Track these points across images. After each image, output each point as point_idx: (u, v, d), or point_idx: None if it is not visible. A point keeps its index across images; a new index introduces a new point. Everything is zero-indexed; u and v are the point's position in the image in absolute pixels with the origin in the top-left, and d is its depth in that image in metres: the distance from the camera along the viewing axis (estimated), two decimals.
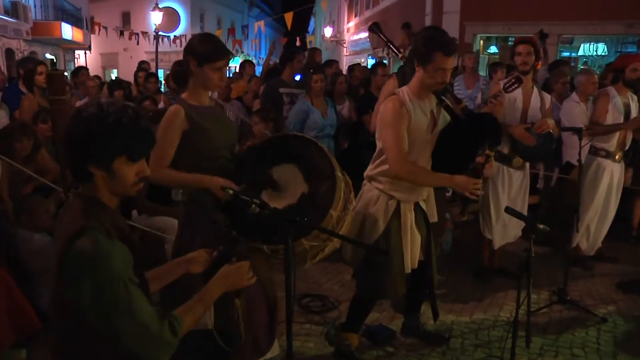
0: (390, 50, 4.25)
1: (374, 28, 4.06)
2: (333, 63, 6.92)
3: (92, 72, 22.49)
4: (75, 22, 20.41)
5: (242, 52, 30.24)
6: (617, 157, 4.75)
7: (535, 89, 4.27)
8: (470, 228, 4.83)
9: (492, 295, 4.32)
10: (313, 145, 2.54)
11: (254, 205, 2.00)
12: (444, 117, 2.95)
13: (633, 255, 5.34)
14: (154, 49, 24.35)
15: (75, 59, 23.97)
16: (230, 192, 2.05)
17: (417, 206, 3.06)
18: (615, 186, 4.82)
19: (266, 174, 2.58)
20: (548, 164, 6.09)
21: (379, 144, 2.92)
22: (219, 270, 1.89)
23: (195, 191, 2.69)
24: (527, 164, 4.39)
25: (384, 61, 9.79)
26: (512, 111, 4.16)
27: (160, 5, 27.32)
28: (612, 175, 4.77)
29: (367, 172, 3.06)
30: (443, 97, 2.89)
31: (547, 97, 4.34)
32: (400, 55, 3.57)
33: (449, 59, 2.71)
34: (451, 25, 9.70)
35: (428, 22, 10.27)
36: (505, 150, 4.23)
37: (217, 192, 2.53)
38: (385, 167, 2.90)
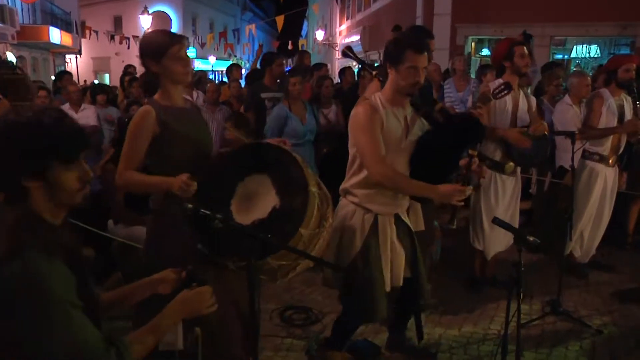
0: (364, 70, 4.12)
1: (346, 52, 3.96)
2: (322, 66, 6.76)
3: (83, 77, 22.30)
4: (64, 26, 20.19)
5: (235, 56, 30.16)
6: (610, 161, 4.60)
7: (522, 92, 4.12)
8: (460, 235, 4.66)
9: (483, 306, 4.15)
10: (287, 156, 2.36)
11: (216, 220, 1.83)
12: (421, 124, 2.78)
13: (629, 262, 5.18)
14: None
15: (66, 64, 23.74)
16: (190, 206, 1.87)
17: (398, 219, 2.87)
18: (609, 191, 4.67)
19: (235, 185, 2.40)
20: (541, 169, 5.94)
21: (352, 151, 2.75)
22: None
23: (164, 201, 2.51)
24: (519, 169, 4.23)
25: (376, 64, 9.66)
26: (502, 115, 4.00)
27: (152, 10, 27.36)
28: (605, 180, 4.62)
29: (342, 185, 2.88)
30: (417, 102, 2.74)
31: (533, 100, 4.20)
32: (374, 73, 3.43)
33: (420, 57, 2.56)
34: (442, 28, 9.58)
35: (419, 24, 10.13)
36: (497, 156, 4.07)
37: (179, 193, 2.35)
38: (360, 177, 2.72)
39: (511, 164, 4.09)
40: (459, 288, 4.47)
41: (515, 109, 4.03)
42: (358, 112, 2.69)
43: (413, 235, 2.95)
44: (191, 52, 27.42)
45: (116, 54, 26.14)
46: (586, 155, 4.66)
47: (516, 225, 4.31)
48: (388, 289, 2.80)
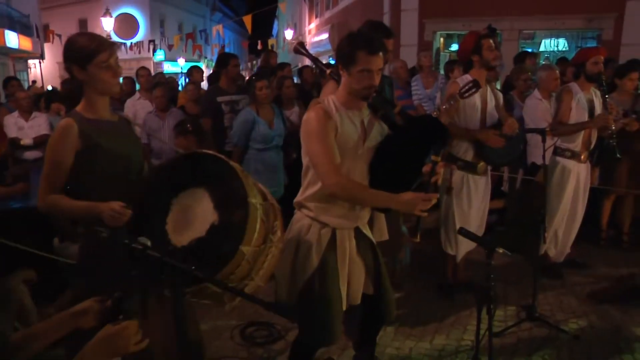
0: (317, 68, 3.91)
1: (299, 48, 3.73)
2: (285, 66, 6.49)
3: (48, 82, 21.58)
4: (23, 29, 19.48)
5: (206, 57, 29.68)
6: (582, 157, 4.45)
7: (489, 88, 3.94)
8: (431, 238, 4.46)
9: (456, 313, 3.96)
10: (225, 166, 2.11)
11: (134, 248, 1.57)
12: (380, 129, 2.55)
13: (604, 258, 5.06)
14: None
15: (29, 69, 23.03)
16: (104, 233, 1.61)
17: (358, 232, 2.63)
18: (582, 188, 4.52)
19: (169, 202, 2.15)
20: (512, 166, 5.79)
21: (305, 161, 2.50)
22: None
23: (91, 223, 2.24)
24: (489, 167, 4.05)
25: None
26: (472, 114, 3.81)
27: (118, 12, 26.75)
28: (578, 176, 4.47)
29: (296, 198, 2.63)
30: (375, 104, 2.51)
31: (500, 95, 4.02)
32: (328, 71, 3.20)
33: (374, 58, 2.32)
34: (410, 23, 9.42)
35: (386, 20, 9.93)
36: (468, 157, 3.88)
37: (109, 221, 2.10)
38: (315, 188, 2.47)
39: (483, 163, 3.91)
40: (431, 294, 4.27)
41: (484, 107, 3.85)
42: (309, 117, 2.44)
43: (376, 249, 2.71)
44: (160, 55, 26.92)
45: None
46: (558, 151, 4.50)
47: (484, 225, 4.14)
48: (345, 307, 2.56)
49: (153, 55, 25.52)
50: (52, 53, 25.75)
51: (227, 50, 35.49)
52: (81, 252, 2.35)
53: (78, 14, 27.28)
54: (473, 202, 3.92)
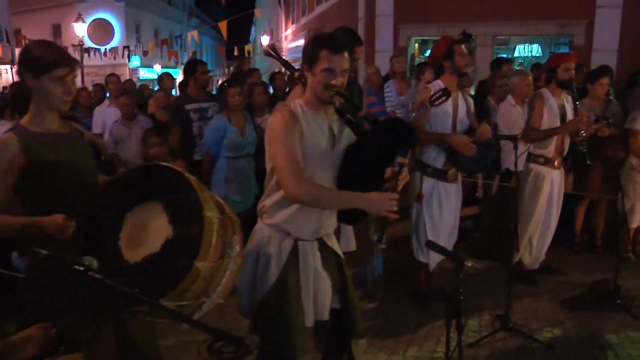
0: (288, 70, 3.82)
1: (269, 50, 3.65)
2: (253, 72, 6.38)
3: None
4: None
5: (182, 64, 29.41)
6: (556, 163, 4.43)
7: (460, 94, 3.89)
8: (404, 246, 4.40)
9: (430, 324, 3.89)
10: (180, 178, 2.01)
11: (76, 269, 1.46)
12: (349, 134, 2.47)
13: (578, 263, 5.06)
14: (87, 62, 23.33)
15: (0, 75, 22.52)
16: (43, 252, 1.50)
17: (323, 245, 2.54)
18: (556, 194, 4.49)
19: (123, 216, 2.04)
20: (487, 172, 5.77)
21: (268, 166, 2.41)
22: None
23: (36, 241, 2.11)
24: (459, 174, 4.00)
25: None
26: (444, 120, 3.75)
27: (93, 17, 26.35)
28: (552, 183, 4.45)
29: (258, 205, 2.54)
30: (343, 109, 2.43)
31: (471, 101, 3.99)
32: (296, 74, 3.13)
33: (337, 57, 2.24)
34: (385, 29, 9.39)
35: (361, 26, 9.91)
36: (439, 164, 3.82)
37: (54, 235, 1.98)
38: (278, 195, 2.38)
39: (453, 170, 3.85)
40: (404, 304, 4.20)
41: (455, 113, 3.80)
42: (274, 119, 2.35)
43: (341, 262, 2.62)
44: (136, 61, 26.59)
45: None
46: (531, 158, 4.48)
47: (456, 233, 4.09)
48: (310, 323, 2.47)
49: (129, 61, 25.20)
50: None
51: (204, 57, 35.28)
52: (26, 273, 2.22)
53: (51, 19, 26.81)
54: (444, 209, 3.87)
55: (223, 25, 14.84)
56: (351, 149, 2.44)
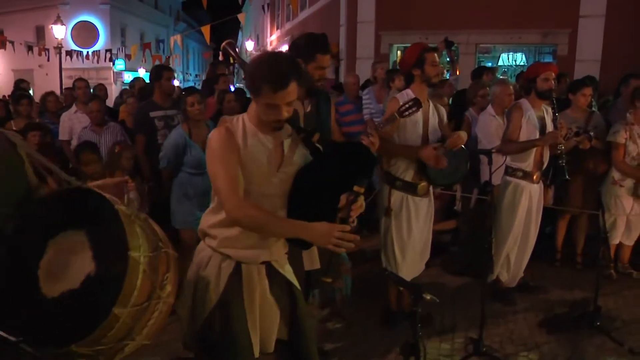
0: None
1: (227, 48, 3.43)
2: (219, 77, 6.13)
3: (3, 90, 20.78)
4: None
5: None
6: (534, 177, 4.24)
7: (431, 103, 3.70)
8: (376, 261, 4.18)
9: (400, 345, 3.65)
10: (108, 208, 1.77)
11: None
12: (304, 153, 2.26)
13: (558, 280, 4.88)
14: (71, 65, 23.03)
15: None
16: None
17: (271, 269, 2.31)
18: (534, 210, 4.30)
19: (45, 243, 1.80)
20: (465, 185, 5.58)
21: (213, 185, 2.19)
22: None
23: None
24: (431, 188, 3.80)
25: None
26: (414, 132, 3.55)
27: (77, 20, 26.01)
28: (530, 197, 4.26)
29: (200, 224, 2.31)
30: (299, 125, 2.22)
31: (443, 111, 3.79)
32: None
33: (279, 95, 2.01)
34: (366, 36, 9.21)
35: (342, 33, 9.75)
36: (408, 177, 3.62)
37: None
38: (220, 215, 2.16)
39: (424, 184, 3.65)
40: (374, 324, 3.98)
41: (426, 124, 3.60)
42: (211, 137, 2.14)
43: (294, 291, 2.38)
44: (120, 64, 26.26)
45: (40, 66, 24.65)
46: (509, 171, 4.29)
47: (428, 249, 3.88)
48: (257, 354, 2.24)
49: (113, 64, 24.87)
50: (6, 60, 24.89)
51: (190, 61, 35.00)
52: None
53: (35, 21, 26.42)
54: (413, 225, 3.66)
55: (206, 30, 14.65)
56: (304, 171, 2.23)
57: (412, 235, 3.67)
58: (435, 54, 3.51)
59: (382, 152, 3.43)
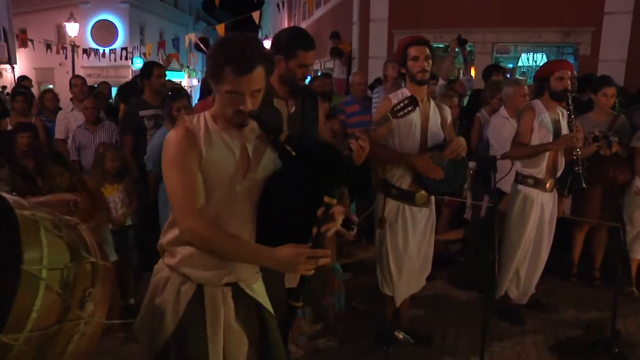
0: None
1: (199, 44, 3.16)
2: None
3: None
4: None
5: (188, 67, 29.06)
6: (547, 185, 3.87)
7: (433, 102, 3.38)
8: (374, 274, 3.87)
9: None
10: (10, 214, 1.50)
11: None
12: (273, 158, 1.97)
13: (574, 298, 4.50)
14: (90, 64, 23.18)
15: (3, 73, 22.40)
16: None
17: (238, 291, 2.02)
18: (547, 221, 3.93)
19: None
20: (476, 191, 5.22)
21: None
22: None
23: None
24: (433, 197, 3.47)
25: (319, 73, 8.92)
26: (409, 136, 3.23)
27: (97, 18, 26.16)
28: (542, 207, 3.89)
29: (160, 238, 2.03)
30: (268, 125, 1.93)
31: (448, 111, 3.45)
32: None
33: (243, 78, 1.74)
34: (379, 34, 8.87)
35: (355, 31, 9.44)
36: (404, 184, 3.30)
37: None
38: (177, 230, 1.88)
39: (423, 192, 3.32)
40: (368, 343, 3.67)
41: (425, 125, 3.27)
42: (168, 140, 1.86)
43: (264, 314, 2.09)
44: (138, 63, 26.29)
45: (60, 64, 24.85)
46: (519, 179, 3.94)
47: (429, 263, 3.55)
48: None
49: (132, 63, 24.92)
50: (28, 58, 25.12)
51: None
52: None
53: (56, 19, 26.64)
54: (410, 237, 3.33)
55: (221, 29, 14.50)
56: (273, 179, 1.94)
57: (409, 248, 3.35)
58: (421, 48, 3.17)
59: (373, 158, 3.12)
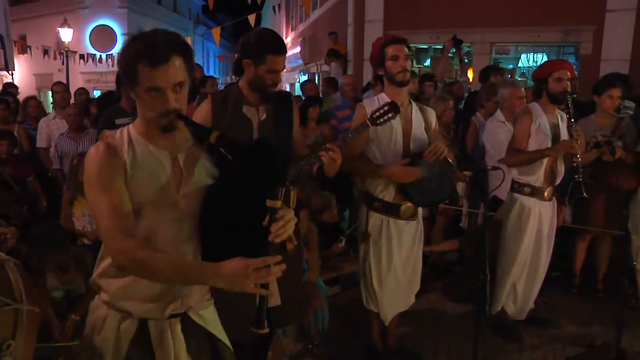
0: None
1: None
2: (208, 80, 5.67)
3: (25, 93, 20.96)
4: None
5: None
6: (546, 194, 3.62)
7: (415, 105, 3.13)
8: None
9: None
10: None
11: None
12: (208, 168, 1.73)
13: (575, 312, 4.25)
14: (89, 69, 23.12)
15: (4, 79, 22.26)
16: None
17: (187, 321, 1.78)
18: (545, 232, 3.68)
19: None
20: (473, 199, 4.98)
21: None
22: None
23: None
24: (420, 210, 3.22)
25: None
26: (390, 143, 2.99)
27: (95, 24, 26.08)
28: (540, 218, 3.64)
29: (92, 275, 1.79)
30: (199, 131, 1.69)
31: (432, 114, 3.20)
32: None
33: (159, 71, 1.53)
34: (374, 35, 8.57)
35: (350, 32, 9.21)
36: (387, 196, 3.05)
37: None
38: (109, 260, 1.65)
39: (409, 204, 3.07)
40: None
41: (407, 130, 3.03)
42: (89, 156, 1.65)
43: (216, 343, 1.85)
44: None
45: (59, 70, 24.74)
46: (515, 187, 3.69)
47: (417, 280, 3.30)
48: None
49: None
50: (28, 65, 25.06)
51: (210, 63, 34.83)
52: None
53: (55, 25, 26.54)
54: (394, 253, 3.09)
55: (216, 32, 14.67)
56: (210, 189, 1.71)
57: (393, 265, 3.10)
58: (399, 46, 2.94)
59: (348, 170, 2.91)
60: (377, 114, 2.63)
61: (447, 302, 4.43)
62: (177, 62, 1.56)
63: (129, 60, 1.55)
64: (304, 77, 14.28)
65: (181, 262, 1.60)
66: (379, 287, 3.13)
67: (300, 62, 14.71)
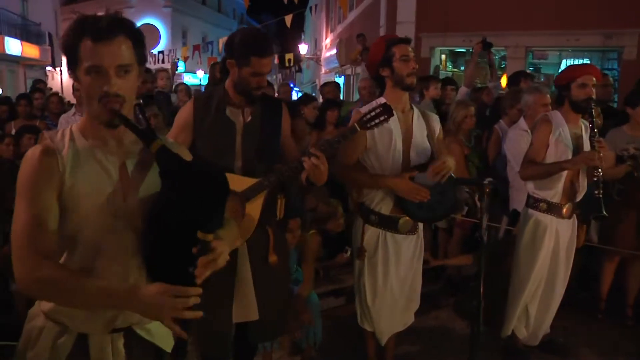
0: None
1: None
2: (178, 87, 5.58)
3: (68, 91, 21.69)
4: (29, 37, 19.27)
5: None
6: (564, 211, 3.33)
7: (416, 110, 2.90)
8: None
9: None
10: None
11: None
12: (156, 174, 1.58)
13: (598, 340, 3.89)
14: None
15: (47, 78, 22.98)
16: None
17: (132, 336, 1.64)
18: (563, 252, 3.38)
19: None
20: (494, 212, 4.69)
21: None
22: None
23: None
24: (420, 225, 3.00)
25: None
26: (389, 152, 2.77)
27: (140, 22, 26.73)
28: (557, 236, 3.34)
29: None
30: (149, 135, 1.54)
31: (436, 119, 2.97)
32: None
33: (103, 46, 1.43)
34: None
35: (382, 33, 8.98)
36: (384, 209, 2.85)
37: None
38: None
39: (407, 218, 2.85)
40: None
41: (408, 138, 2.81)
42: (25, 158, 1.53)
43: (164, 357, 1.71)
44: (180, 66, 26.67)
45: None
46: (530, 202, 3.41)
47: (416, 298, 3.07)
48: None
49: (176, 67, 25.30)
50: None
51: None
52: None
53: None
54: (391, 270, 2.87)
55: None
56: (149, 203, 1.56)
57: (389, 282, 2.89)
58: (407, 47, 2.73)
59: (345, 181, 2.72)
60: (368, 116, 2.44)
61: (458, 320, 4.17)
62: (122, 42, 1.45)
63: (71, 36, 1.45)
64: (340, 79, 14.12)
65: (95, 283, 1.46)
66: (373, 305, 2.93)
67: (337, 63, 14.56)
